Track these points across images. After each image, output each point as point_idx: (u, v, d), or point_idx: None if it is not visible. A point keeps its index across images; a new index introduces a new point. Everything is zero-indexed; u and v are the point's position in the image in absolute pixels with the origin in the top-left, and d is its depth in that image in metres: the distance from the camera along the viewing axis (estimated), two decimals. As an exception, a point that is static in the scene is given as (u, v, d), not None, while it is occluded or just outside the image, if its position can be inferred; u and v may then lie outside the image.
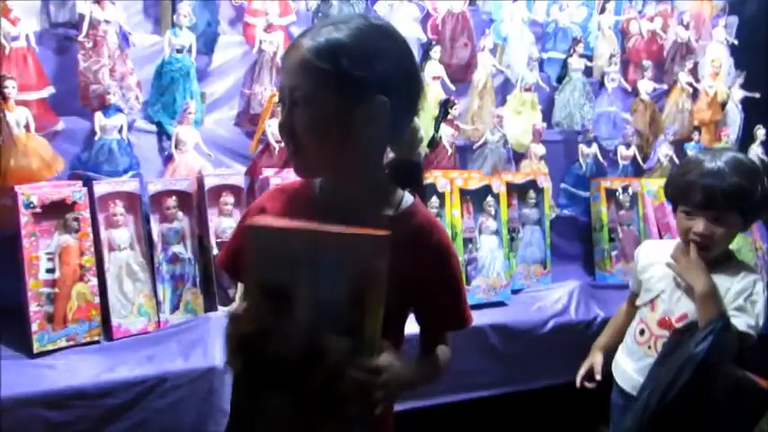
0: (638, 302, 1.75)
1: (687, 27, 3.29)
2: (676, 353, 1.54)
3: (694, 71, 3.25)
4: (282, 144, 2.23)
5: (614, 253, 2.86)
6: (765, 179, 1.59)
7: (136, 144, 2.20)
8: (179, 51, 2.20)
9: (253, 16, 2.44)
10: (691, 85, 3.21)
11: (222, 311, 2.09)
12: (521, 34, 2.91)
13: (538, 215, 2.74)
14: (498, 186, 2.57)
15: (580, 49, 2.93)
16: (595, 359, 1.85)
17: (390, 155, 1.14)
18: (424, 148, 1.21)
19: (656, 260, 1.72)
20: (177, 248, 2.10)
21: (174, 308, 2.08)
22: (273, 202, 1.16)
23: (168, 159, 2.21)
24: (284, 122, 1.03)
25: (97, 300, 1.95)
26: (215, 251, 2.12)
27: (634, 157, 3.01)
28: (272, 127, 2.25)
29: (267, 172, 2.20)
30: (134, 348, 1.94)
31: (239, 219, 1.26)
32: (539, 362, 2.41)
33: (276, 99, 2.26)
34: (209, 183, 2.13)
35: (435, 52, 2.61)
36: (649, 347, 1.66)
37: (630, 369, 1.69)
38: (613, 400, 1.79)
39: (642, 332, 1.70)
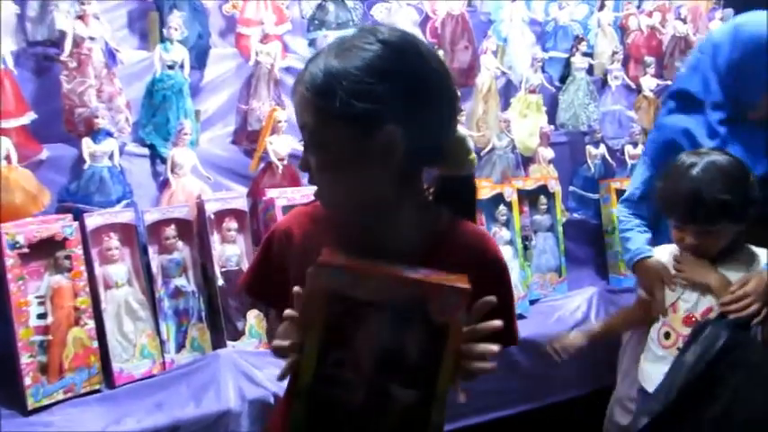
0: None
1: (685, 21, 3.21)
2: (700, 338, 1.51)
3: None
4: (285, 162, 2.12)
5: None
6: (750, 177, 1.58)
7: (128, 170, 2.03)
8: (171, 67, 2.04)
9: (246, 26, 2.28)
10: (692, 79, 3.13)
11: (232, 347, 1.93)
12: (521, 34, 2.80)
13: (550, 221, 2.64)
14: (510, 194, 2.46)
15: (583, 47, 2.83)
16: (576, 339, 1.90)
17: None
18: (473, 161, 1.11)
19: (668, 263, 1.71)
20: (179, 281, 1.94)
21: (180, 346, 1.92)
22: (300, 227, 1.09)
23: (164, 185, 2.05)
24: (302, 162, 1.01)
25: (95, 344, 1.78)
26: (220, 281, 1.96)
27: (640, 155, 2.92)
28: (273, 144, 2.10)
29: (271, 192, 2.04)
30: (140, 395, 1.78)
31: (264, 239, 1.16)
32: (563, 374, 2.30)
33: (276, 114, 2.12)
34: (211, 208, 1.97)
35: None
36: (678, 349, 1.61)
37: (662, 373, 1.59)
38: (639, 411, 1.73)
39: (667, 335, 1.68)
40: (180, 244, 1.95)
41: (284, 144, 2.11)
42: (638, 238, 1.86)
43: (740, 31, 1.80)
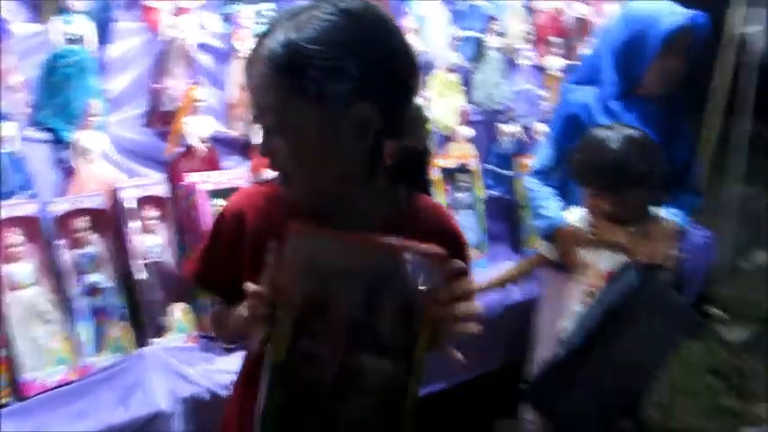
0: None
1: (588, 3, 3.33)
2: (613, 284, 1.68)
3: (595, 45, 3.30)
4: (205, 144, 1.99)
5: (541, 230, 2.85)
6: (659, 149, 1.76)
7: (25, 157, 1.82)
8: (73, 42, 1.84)
9: (152, -1, 2.11)
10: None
11: (157, 344, 1.80)
12: (436, 13, 2.78)
13: (470, 199, 2.67)
14: (435, 173, 2.46)
15: (496, 27, 2.87)
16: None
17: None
18: (430, 131, 1.09)
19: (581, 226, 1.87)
20: (95, 277, 1.77)
21: (99, 348, 1.76)
22: (254, 208, 1.03)
23: (69, 172, 1.86)
24: (264, 146, 0.93)
25: (2, 353, 1.60)
26: (143, 275, 1.81)
27: (550, 133, 3.01)
28: (191, 125, 1.96)
29: (192, 177, 1.91)
30: (57, 405, 1.61)
31: (214, 223, 1.09)
32: (493, 346, 2.37)
33: (194, 93, 1.98)
34: (128, 196, 1.81)
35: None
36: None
37: None
38: None
39: (592, 294, 1.78)
40: (93, 236, 1.78)
41: (204, 125, 1.98)
42: (553, 206, 1.97)
43: (627, 14, 1.98)
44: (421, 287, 0.84)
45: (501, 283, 2.14)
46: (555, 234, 1.95)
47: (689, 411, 2.58)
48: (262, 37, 0.91)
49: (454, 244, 1.04)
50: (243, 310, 0.92)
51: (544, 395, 1.71)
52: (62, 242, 1.74)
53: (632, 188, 1.71)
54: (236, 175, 2.02)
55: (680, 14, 1.87)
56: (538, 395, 1.75)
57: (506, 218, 2.87)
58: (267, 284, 0.85)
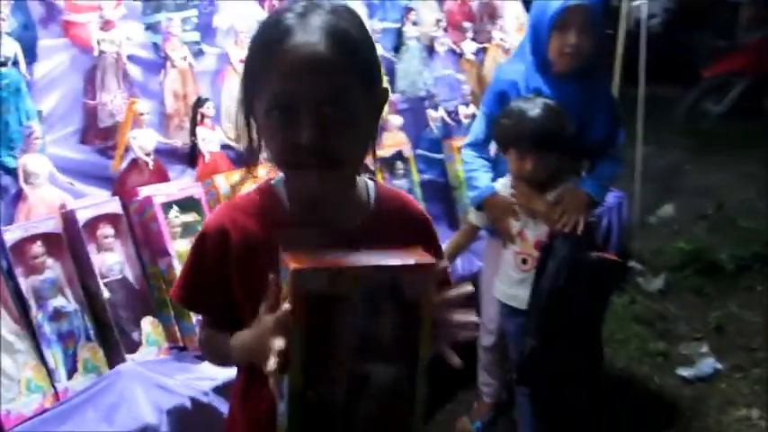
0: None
1: (489, -14, 3.49)
2: (549, 260, 1.89)
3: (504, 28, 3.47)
4: (151, 157, 1.98)
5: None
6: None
7: (-35, 187, 1.76)
8: (2, 64, 1.79)
9: (76, 13, 2.05)
10: (503, 40, 3.43)
11: (132, 360, 1.79)
12: (355, 7, 2.84)
13: (408, 185, 2.77)
14: (372, 164, 2.53)
15: (413, 16, 2.97)
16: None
17: None
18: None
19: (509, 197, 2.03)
20: (57, 301, 1.75)
21: (71, 372, 1.74)
22: (234, 223, 1.03)
23: (16, 199, 1.81)
24: (321, 133, 0.90)
25: (-26, 388, 1.55)
26: (106, 294, 1.80)
27: (473, 115, 3.15)
28: (137, 139, 1.95)
29: (145, 191, 1.90)
30: (42, 433, 1.59)
31: (196, 243, 1.08)
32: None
33: (137, 106, 1.96)
34: (82, 216, 1.78)
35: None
36: (536, 269, 1.94)
37: (524, 293, 1.95)
38: (510, 327, 2.08)
39: (525, 261, 2.00)
40: (50, 261, 1.75)
41: (149, 138, 1.97)
42: (483, 177, 2.11)
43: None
44: (417, 298, 0.88)
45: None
46: (485, 203, 2.08)
47: (624, 358, 2.83)
48: (295, 31, 0.90)
49: (424, 229, 1.11)
50: (247, 340, 0.94)
51: (530, 374, 1.95)
52: (19, 270, 1.70)
53: (547, 149, 1.90)
54: (186, 184, 2.02)
55: None
56: (524, 377, 1.97)
57: (441, 199, 2.99)
58: (276, 326, 0.85)
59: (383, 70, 2.78)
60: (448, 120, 3.04)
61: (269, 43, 0.92)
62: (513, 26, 3.52)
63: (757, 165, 4.85)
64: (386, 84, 1.02)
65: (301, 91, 0.90)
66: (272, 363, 0.83)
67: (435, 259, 0.88)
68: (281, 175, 1.04)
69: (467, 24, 3.25)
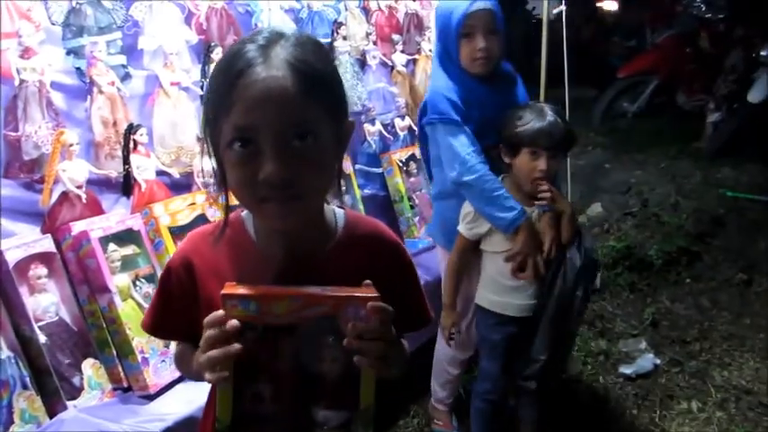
0: (497, 248, 2.00)
1: (413, -2, 3.52)
2: (564, 269, 1.95)
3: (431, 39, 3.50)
4: (83, 189, 1.88)
5: (416, 219, 3.01)
6: None
7: None
8: None
9: (-10, 40, 1.93)
10: (431, 51, 3.46)
11: (74, 407, 1.69)
12: (282, 23, 2.81)
13: (350, 201, 2.75)
14: (337, 194, 2.50)
15: (343, 31, 2.95)
16: (455, 318, 2.11)
17: None
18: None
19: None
20: (-12, 350, 1.63)
21: (7, 424, 1.62)
22: (200, 255, 1.04)
23: (-64, 242, 1.68)
24: (285, 167, 0.88)
25: None
26: (42, 338, 1.69)
27: (409, 127, 3.17)
28: (67, 171, 1.85)
29: (79, 225, 1.80)
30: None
31: (163, 275, 1.08)
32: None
33: (65, 137, 1.86)
34: (11, 257, 1.67)
35: (217, 54, 2.39)
36: (534, 278, 1.96)
37: (523, 300, 1.99)
38: (494, 335, 2.05)
39: (522, 269, 1.96)
40: (-23, 307, 1.63)
41: (80, 170, 1.87)
42: (510, 197, 1.96)
43: (437, 10, 2.17)
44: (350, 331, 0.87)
45: (456, 285, 2.12)
46: (520, 227, 1.94)
47: (571, 361, 2.90)
48: (256, 58, 0.88)
49: (396, 259, 1.10)
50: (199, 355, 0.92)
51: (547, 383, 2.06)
52: (-56, 320, 1.57)
53: (561, 149, 1.98)
54: (123, 216, 1.93)
55: (467, 2, 1.99)
56: (543, 386, 2.06)
57: (383, 213, 2.98)
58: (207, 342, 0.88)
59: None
60: (385, 133, 3.04)
61: (231, 74, 0.89)
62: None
63: (672, 160, 5.10)
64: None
65: (263, 124, 0.88)
66: (207, 376, 0.89)
67: (374, 293, 0.89)
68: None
69: (396, 36, 3.27)
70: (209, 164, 0.97)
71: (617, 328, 3.19)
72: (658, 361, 2.88)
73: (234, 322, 0.86)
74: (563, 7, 3.71)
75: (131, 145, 2.04)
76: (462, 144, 2.00)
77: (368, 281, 0.93)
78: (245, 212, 1.05)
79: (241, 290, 0.88)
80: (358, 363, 0.88)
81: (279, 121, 0.87)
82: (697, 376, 2.78)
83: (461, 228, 2.04)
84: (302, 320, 0.87)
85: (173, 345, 1.67)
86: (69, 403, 1.70)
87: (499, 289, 2.02)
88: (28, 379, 1.67)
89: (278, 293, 0.88)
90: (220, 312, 0.87)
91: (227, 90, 0.89)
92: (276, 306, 0.86)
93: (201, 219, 2.04)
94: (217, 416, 0.88)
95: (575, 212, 2.01)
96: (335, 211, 1.08)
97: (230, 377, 0.86)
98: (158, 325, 1.09)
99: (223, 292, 0.87)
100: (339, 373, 0.89)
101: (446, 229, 2.17)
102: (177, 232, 1.98)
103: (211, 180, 2.14)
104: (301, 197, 0.91)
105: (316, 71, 0.90)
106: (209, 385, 1.08)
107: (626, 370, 2.82)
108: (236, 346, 0.86)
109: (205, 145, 0.96)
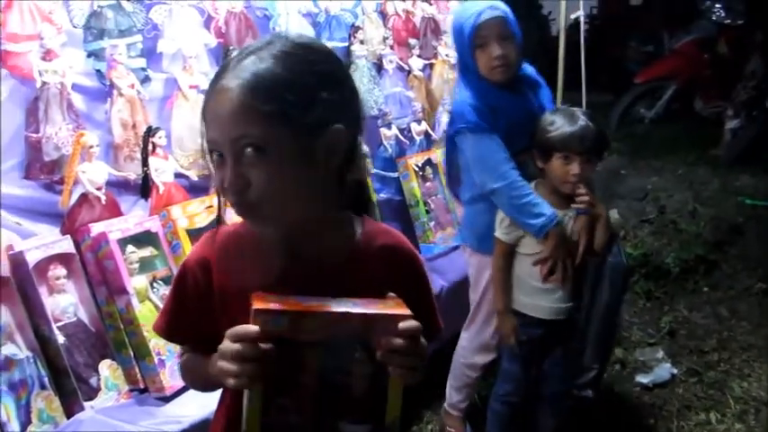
0: (529, 251, 1.98)
1: (430, 2, 3.52)
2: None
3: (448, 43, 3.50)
4: (102, 191, 1.90)
5: (432, 224, 3.00)
6: None
7: None
8: (-62, 100, 1.67)
9: (13, 42, 1.94)
10: (448, 56, 3.46)
11: (91, 408, 1.70)
12: (300, 27, 2.81)
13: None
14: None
15: (360, 35, 2.96)
16: (514, 321, 2.04)
17: None
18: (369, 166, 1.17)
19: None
20: (7, 349, 1.65)
21: (25, 424, 1.63)
22: (219, 254, 1.03)
23: (-42, 241, 1.69)
24: (234, 180, 0.90)
25: None
26: (60, 339, 1.70)
27: (426, 132, 3.16)
28: (87, 173, 1.86)
29: (98, 227, 1.81)
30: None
31: (178, 276, 1.07)
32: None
33: (85, 139, 1.87)
34: (32, 258, 1.69)
35: (235, 57, 2.39)
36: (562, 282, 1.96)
37: (551, 302, 1.99)
38: (523, 338, 2.03)
39: (552, 272, 1.95)
40: (-2, 307, 1.64)
41: (99, 171, 1.88)
42: (542, 203, 1.96)
43: (453, 18, 2.17)
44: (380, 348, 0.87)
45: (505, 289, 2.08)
46: (550, 232, 1.92)
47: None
48: (221, 75, 0.92)
49: (412, 269, 1.10)
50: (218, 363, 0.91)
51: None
52: (-36, 319, 1.59)
53: (594, 153, 1.94)
54: (141, 218, 1.94)
55: (477, 12, 2.01)
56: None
57: (399, 218, 2.98)
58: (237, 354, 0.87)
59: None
60: (401, 138, 3.04)
61: (209, 85, 0.94)
62: (457, 41, 3.56)
63: (690, 167, 5.05)
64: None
65: (216, 136, 0.92)
66: (233, 384, 0.88)
67: (406, 312, 0.89)
68: None
69: (413, 41, 3.27)
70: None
71: (633, 336, 3.16)
72: (676, 370, 2.85)
73: (270, 346, 0.86)
74: (581, 12, 3.70)
75: (150, 147, 2.05)
76: (491, 151, 2.02)
77: (391, 293, 0.93)
78: None
79: (273, 304, 0.87)
80: (392, 374, 0.89)
81: (225, 134, 0.91)
82: (715, 387, 2.74)
83: (498, 233, 2.04)
84: (333, 337, 0.87)
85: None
86: (86, 404, 1.70)
87: (529, 290, 2.02)
88: (46, 379, 1.68)
89: (310, 310, 0.87)
90: (254, 328, 0.86)
91: (204, 101, 0.95)
92: (308, 323, 0.86)
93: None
94: (245, 429, 0.87)
95: (609, 218, 1.99)
96: (353, 219, 1.07)
97: (260, 391, 0.86)
98: (173, 327, 1.08)
99: (255, 306, 0.86)
100: (365, 386, 0.89)
101: (477, 232, 2.19)
102: (195, 234, 1.99)
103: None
104: (259, 206, 0.92)
105: (273, 82, 0.90)
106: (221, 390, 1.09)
107: (643, 379, 2.79)
108: (270, 363, 0.86)
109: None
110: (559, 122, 1.94)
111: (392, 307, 0.90)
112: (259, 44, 0.94)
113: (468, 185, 2.22)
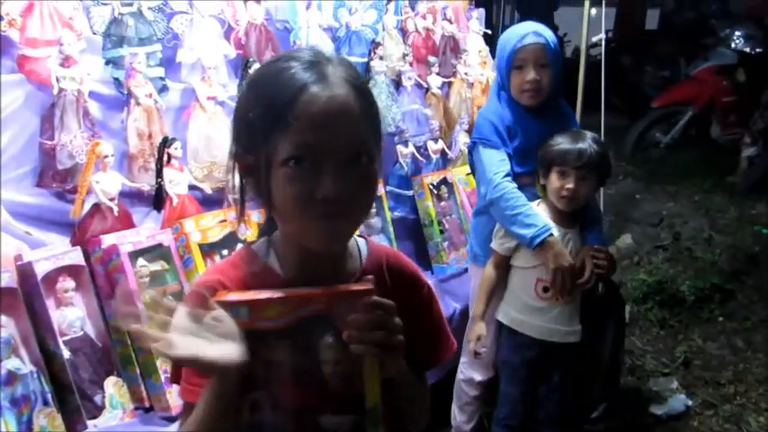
0: (524, 264, 2.04)
1: (451, 21, 3.49)
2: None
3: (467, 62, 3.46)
4: (115, 202, 1.86)
5: (445, 244, 2.95)
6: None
7: None
8: (-47, 104, 1.64)
9: (32, 47, 1.91)
10: (467, 74, 3.42)
11: (94, 427, 1.65)
12: (320, 41, 2.78)
13: (381, 223, 2.70)
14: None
15: (380, 51, 2.92)
16: (482, 330, 2.08)
17: None
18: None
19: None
20: (11, 363, 1.60)
21: (26, 441, 1.58)
22: (232, 281, 0.95)
23: (-35, 249, 1.65)
24: (344, 186, 0.86)
25: None
26: (65, 354, 1.65)
27: (442, 150, 3.12)
28: (100, 183, 1.82)
29: (109, 238, 1.77)
30: None
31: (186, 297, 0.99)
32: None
33: (100, 148, 1.83)
34: (40, 269, 1.64)
35: (255, 70, 2.36)
36: (557, 299, 1.99)
37: (544, 322, 2.01)
38: (518, 359, 2.06)
39: (546, 289, 2.00)
40: (3, 318, 1.60)
41: (113, 182, 1.84)
42: (536, 215, 2.02)
43: (499, 40, 2.22)
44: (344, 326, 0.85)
45: (487, 298, 2.12)
46: (543, 243, 1.96)
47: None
48: (317, 80, 0.87)
49: (418, 290, 1.06)
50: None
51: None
52: (-31, 330, 1.54)
53: (589, 170, 1.98)
54: (153, 230, 1.90)
55: (519, 36, 2.08)
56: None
57: (413, 237, 2.93)
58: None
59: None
60: (417, 155, 3.00)
61: (280, 93, 0.87)
62: (476, 60, 3.53)
63: (706, 193, 4.98)
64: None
65: (327, 143, 0.86)
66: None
67: (368, 286, 0.87)
68: (261, 240, 1.00)
69: (432, 58, 3.23)
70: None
71: (647, 365, 3.10)
72: (690, 402, 2.78)
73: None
74: (602, 35, 3.66)
75: (165, 158, 2.01)
76: (492, 164, 2.09)
77: (370, 276, 0.90)
78: (254, 245, 1.00)
79: (231, 297, 0.86)
80: (356, 351, 0.85)
81: (343, 140, 0.87)
82: (731, 421, 2.67)
83: (494, 244, 2.10)
84: (297, 322, 0.84)
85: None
86: (90, 422, 1.65)
87: (521, 306, 2.04)
88: (49, 395, 1.63)
89: (269, 297, 0.85)
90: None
91: (277, 108, 0.87)
92: (268, 310, 0.84)
93: (232, 236, 2.00)
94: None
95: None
96: (357, 240, 1.04)
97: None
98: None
99: (214, 299, 0.85)
100: (342, 376, 0.87)
101: (479, 243, 2.25)
102: (207, 249, 1.94)
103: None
104: (352, 216, 0.91)
105: (367, 91, 0.92)
106: None
107: (657, 410, 2.72)
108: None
109: (233, 162, 0.94)
110: (562, 140, 2.00)
111: (355, 285, 0.88)
112: (316, 54, 0.91)
113: (478, 197, 2.29)
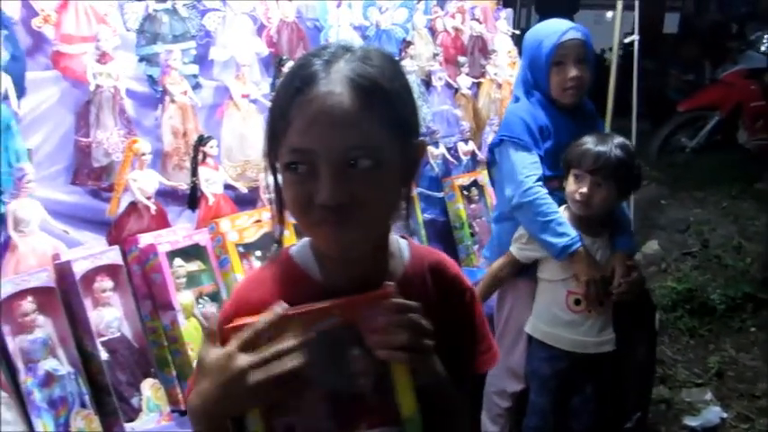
0: (552, 276, 1.98)
1: (480, 21, 3.44)
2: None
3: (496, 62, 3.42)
4: (152, 200, 1.83)
5: (475, 247, 2.91)
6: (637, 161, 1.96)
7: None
8: (-9, 100, 1.61)
9: (67, 44, 1.88)
10: (496, 75, 3.37)
11: (132, 430, 1.61)
12: (351, 40, 2.75)
13: (413, 224, 2.64)
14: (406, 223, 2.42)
15: (411, 50, 2.88)
16: None
17: None
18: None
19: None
20: (49, 364, 1.57)
21: (64, 444, 1.55)
22: (257, 302, 0.89)
23: (4, 248, 1.62)
24: (341, 191, 0.81)
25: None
26: (103, 355, 1.62)
27: (473, 152, 3.07)
28: (138, 181, 1.79)
29: (146, 238, 1.74)
30: None
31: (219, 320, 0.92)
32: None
33: (138, 146, 1.81)
34: (78, 268, 1.61)
35: (287, 68, 2.33)
36: (589, 311, 1.94)
37: (577, 335, 1.96)
38: (545, 369, 2.00)
39: (578, 302, 1.94)
40: (41, 318, 1.57)
41: (150, 180, 1.81)
42: (567, 224, 1.95)
43: (529, 35, 2.18)
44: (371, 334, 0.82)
45: (487, 294, 2.11)
46: (573, 254, 1.91)
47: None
48: (323, 79, 0.82)
49: (460, 294, 1.01)
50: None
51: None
52: (7, 329, 1.51)
53: (605, 175, 1.88)
54: (189, 230, 1.87)
55: (560, 31, 2.02)
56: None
57: (443, 239, 2.89)
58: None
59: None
60: (448, 157, 2.95)
61: (291, 91, 0.83)
62: (504, 60, 3.47)
63: (734, 200, 4.90)
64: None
65: (319, 146, 0.81)
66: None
67: (386, 290, 0.84)
68: (301, 242, 0.96)
69: (462, 59, 3.18)
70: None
71: (678, 375, 3.04)
72: (725, 414, 2.72)
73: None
74: (636, 36, 3.60)
75: (201, 157, 1.98)
76: (524, 166, 2.02)
77: (390, 282, 0.86)
78: (293, 249, 0.96)
79: (247, 320, 0.82)
80: (381, 357, 0.82)
81: (335, 142, 0.81)
82: (768, 435, 2.61)
83: (513, 248, 2.05)
84: (319, 336, 0.80)
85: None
86: (127, 425, 1.62)
87: (552, 320, 1.98)
88: (87, 397, 1.60)
89: (288, 313, 0.81)
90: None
91: (285, 108, 0.83)
92: (291, 325, 0.80)
93: (268, 236, 1.96)
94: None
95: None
96: (399, 242, 0.99)
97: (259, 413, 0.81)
98: None
99: (227, 326, 0.82)
100: (374, 387, 0.83)
101: (502, 253, 2.15)
102: (243, 250, 1.91)
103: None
104: (359, 223, 0.83)
105: (380, 88, 0.83)
106: None
107: (691, 422, 2.67)
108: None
109: (267, 160, 0.90)
110: (585, 140, 1.92)
111: (374, 292, 0.84)
112: (337, 50, 0.86)
113: (499, 203, 2.22)
